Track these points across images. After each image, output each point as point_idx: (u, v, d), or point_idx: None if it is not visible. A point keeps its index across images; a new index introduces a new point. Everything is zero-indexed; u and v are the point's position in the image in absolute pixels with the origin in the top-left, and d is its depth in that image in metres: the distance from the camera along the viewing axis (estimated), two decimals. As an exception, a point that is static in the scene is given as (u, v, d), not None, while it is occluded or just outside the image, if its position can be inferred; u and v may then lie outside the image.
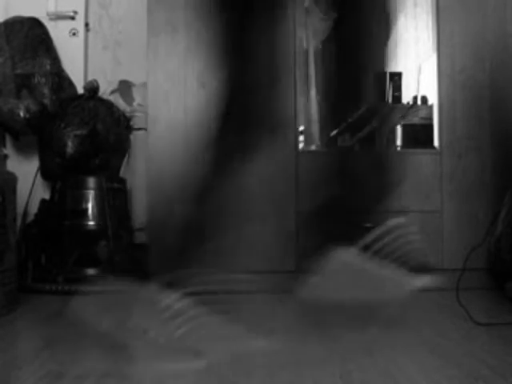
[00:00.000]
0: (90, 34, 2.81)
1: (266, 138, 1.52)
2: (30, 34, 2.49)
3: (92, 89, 2.46)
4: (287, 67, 2.28)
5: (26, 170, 2.50)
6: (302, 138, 2.39)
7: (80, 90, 2.56)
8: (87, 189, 2.37)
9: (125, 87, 2.70)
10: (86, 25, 2.78)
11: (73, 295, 2.19)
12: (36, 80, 2.42)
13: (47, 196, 2.50)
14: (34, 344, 1.52)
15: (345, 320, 1.52)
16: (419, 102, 2.44)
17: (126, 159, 2.62)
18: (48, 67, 2.46)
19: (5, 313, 1.80)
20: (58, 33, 2.66)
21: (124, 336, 1.24)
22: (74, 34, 2.74)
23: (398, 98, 2.45)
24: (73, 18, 2.74)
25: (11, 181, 1.97)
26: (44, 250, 2.37)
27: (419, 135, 2.34)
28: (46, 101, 2.43)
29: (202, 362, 1.24)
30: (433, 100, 2.35)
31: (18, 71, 2.42)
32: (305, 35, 2.45)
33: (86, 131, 2.39)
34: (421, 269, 1.44)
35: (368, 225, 1.47)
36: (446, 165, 2.28)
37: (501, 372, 1.16)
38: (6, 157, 2.44)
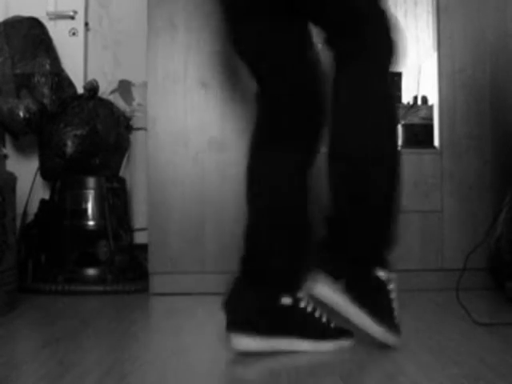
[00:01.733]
0: (90, 34, 2.81)
1: None
2: (30, 34, 2.49)
3: (92, 89, 2.46)
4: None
5: (25, 170, 2.50)
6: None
7: (80, 90, 2.56)
8: (87, 189, 2.37)
9: (125, 87, 2.69)
10: (86, 24, 2.77)
11: (73, 295, 2.19)
12: (36, 80, 2.42)
13: (47, 196, 2.50)
14: (33, 344, 1.52)
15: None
16: (419, 101, 2.44)
17: (125, 159, 2.62)
18: (48, 67, 2.46)
19: (5, 313, 1.80)
20: (58, 32, 2.66)
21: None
22: (73, 34, 2.74)
23: (398, 98, 2.44)
24: (72, 18, 2.74)
25: (11, 181, 1.97)
26: (44, 250, 2.37)
27: (419, 135, 2.34)
28: (46, 101, 2.42)
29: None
30: (433, 100, 2.35)
31: (18, 71, 2.42)
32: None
33: (85, 131, 2.39)
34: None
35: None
36: (446, 165, 2.27)
37: (501, 372, 1.16)
38: (5, 157, 2.43)
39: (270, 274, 1.32)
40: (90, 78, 2.63)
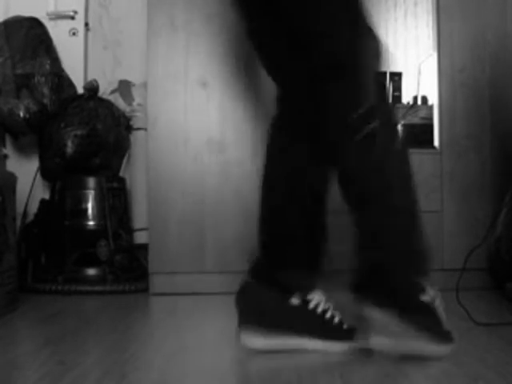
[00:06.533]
0: (90, 34, 2.81)
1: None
2: (30, 34, 2.49)
3: (92, 89, 2.46)
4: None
5: (25, 170, 2.50)
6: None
7: (80, 90, 2.56)
8: (87, 189, 2.37)
9: (125, 87, 2.69)
10: (86, 24, 2.78)
11: (73, 295, 2.19)
12: (36, 80, 2.42)
13: (47, 196, 2.50)
14: (34, 344, 1.52)
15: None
16: (419, 102, 2.44)
17: (125, 159, 2.62)
18: (48, 67, 2.46)
19: (5, 313, 1.80)
20: (58, 32, 2.66)
21: None
22: (73, 34, 2.74)
23: (397, 98, 2.44)
24: (73, 18, 2.74)
25: (11, 180, 1.97)
26: (44, 250, 2.37)
27: (419, 135, 2.34)
28: (46, 101, 2.43)
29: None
30: (433, 100, 2.35)
31: (18, 71, 2.42)
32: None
33: (85, 131, 2.39)
34: None
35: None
36: (445, 165, 2.28)
37: (501, 372, 1.16)
38: (5, 157, 2.44)
39: (281, 275, 1.36)
40: (90, 78, 2.63)
